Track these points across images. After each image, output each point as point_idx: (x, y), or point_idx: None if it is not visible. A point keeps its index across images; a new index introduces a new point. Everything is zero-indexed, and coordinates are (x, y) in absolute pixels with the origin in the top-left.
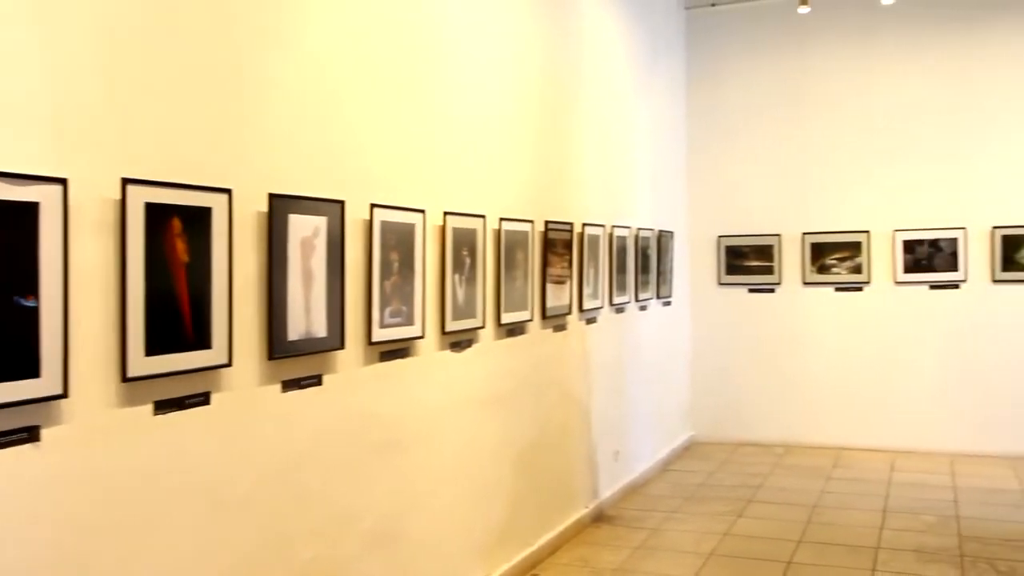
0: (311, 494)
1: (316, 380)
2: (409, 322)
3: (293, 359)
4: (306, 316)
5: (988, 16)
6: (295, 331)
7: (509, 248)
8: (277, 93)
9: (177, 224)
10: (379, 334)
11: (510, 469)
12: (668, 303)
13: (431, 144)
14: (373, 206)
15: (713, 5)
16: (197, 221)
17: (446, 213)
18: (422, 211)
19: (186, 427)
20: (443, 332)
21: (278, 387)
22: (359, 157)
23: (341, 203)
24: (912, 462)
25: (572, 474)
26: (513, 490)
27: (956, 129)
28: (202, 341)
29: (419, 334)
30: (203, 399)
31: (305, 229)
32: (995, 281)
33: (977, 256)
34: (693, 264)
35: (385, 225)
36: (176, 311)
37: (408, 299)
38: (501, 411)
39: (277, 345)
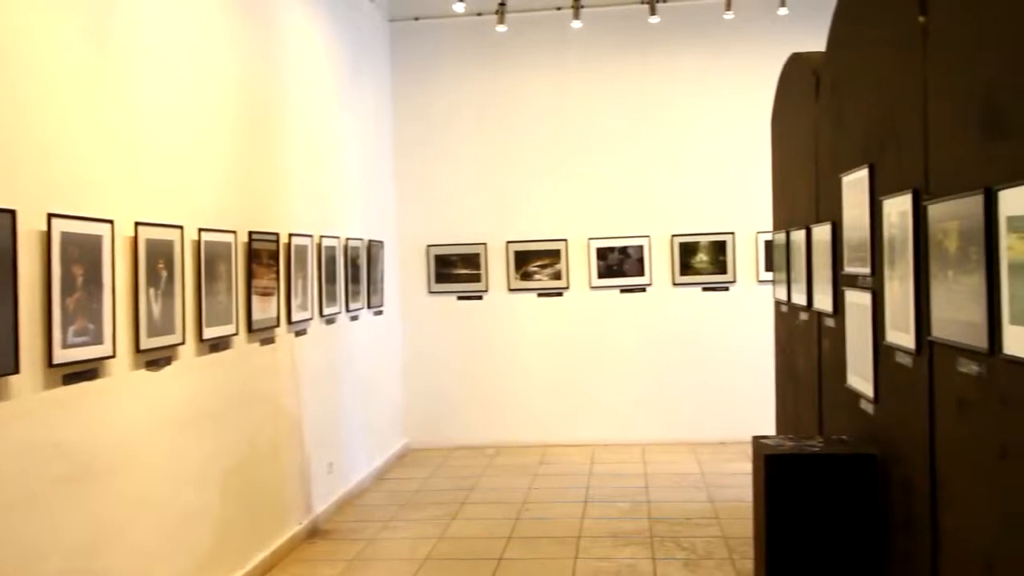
0: None
1: None
2: (97, 341)
3: None
4: None
5: (657, 41)
6: None
7: (210, 259)
8: None
9: None
10: (61, 355)
11: (217, 490)
12: (379, 312)
13: (121, 149)
14: (51, 216)
15: (416, 19)
16: None
17: (138, 223)
18: (110, 221)
19: None
20: (137, 350)
21: None
22: (35, 162)
23: (12, 212)
24: (609, 454)
25: (284, 490)
26: (221, 512)
27: (636, 144)
28: None
29: (109, 353)
30: None
31: None
32: (675, 284)
33: (660, 262)
34: (403, 273)
35: (66, 237)
36: None
37: (96, 316)
38: (206, 430)
39: None
